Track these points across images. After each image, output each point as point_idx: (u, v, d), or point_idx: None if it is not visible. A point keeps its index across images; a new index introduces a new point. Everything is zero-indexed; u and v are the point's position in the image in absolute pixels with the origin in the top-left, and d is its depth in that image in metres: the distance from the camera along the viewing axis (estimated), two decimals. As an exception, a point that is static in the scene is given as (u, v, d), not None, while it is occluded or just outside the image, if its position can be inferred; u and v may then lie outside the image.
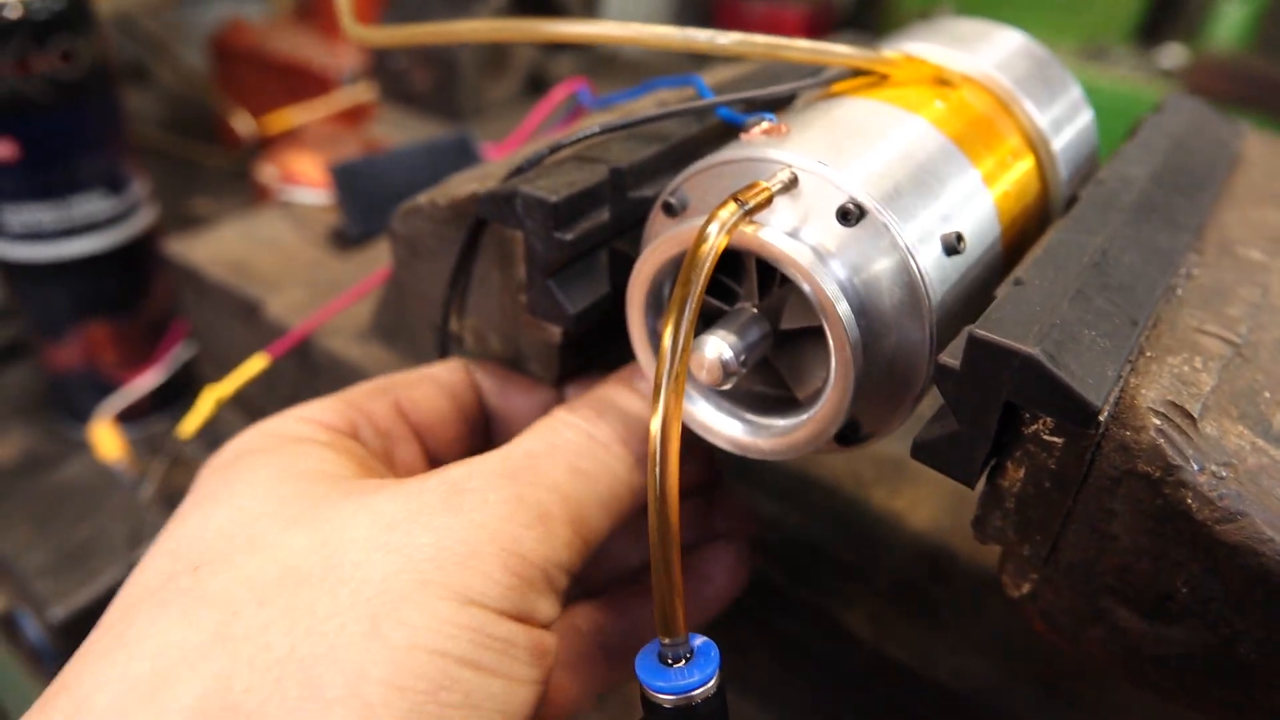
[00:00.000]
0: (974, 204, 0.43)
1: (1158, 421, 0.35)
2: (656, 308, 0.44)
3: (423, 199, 0.54)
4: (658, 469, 0.36)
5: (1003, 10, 2.53)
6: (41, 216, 0.99)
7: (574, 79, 0.84)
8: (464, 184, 0.54)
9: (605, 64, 1.94)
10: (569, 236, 0.44)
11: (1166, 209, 0.46)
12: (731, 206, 0.37)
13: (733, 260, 0.43)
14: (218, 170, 1.80)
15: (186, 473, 1.12)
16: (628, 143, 0.48)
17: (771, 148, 0.40)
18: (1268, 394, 0.39)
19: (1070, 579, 0.39)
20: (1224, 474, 0.35)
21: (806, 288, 0.38)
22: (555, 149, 0.47)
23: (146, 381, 1.14)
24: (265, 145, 1.72)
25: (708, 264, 0.36)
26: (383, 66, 1.71)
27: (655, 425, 0.36)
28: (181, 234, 1.08)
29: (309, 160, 1.62)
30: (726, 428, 0.44)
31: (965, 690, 0.59)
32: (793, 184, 0.39)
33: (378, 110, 1.70)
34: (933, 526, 0.71)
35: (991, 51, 0.51)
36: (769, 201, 0.38)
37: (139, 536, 0.86)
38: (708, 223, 0.37)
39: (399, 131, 1.58)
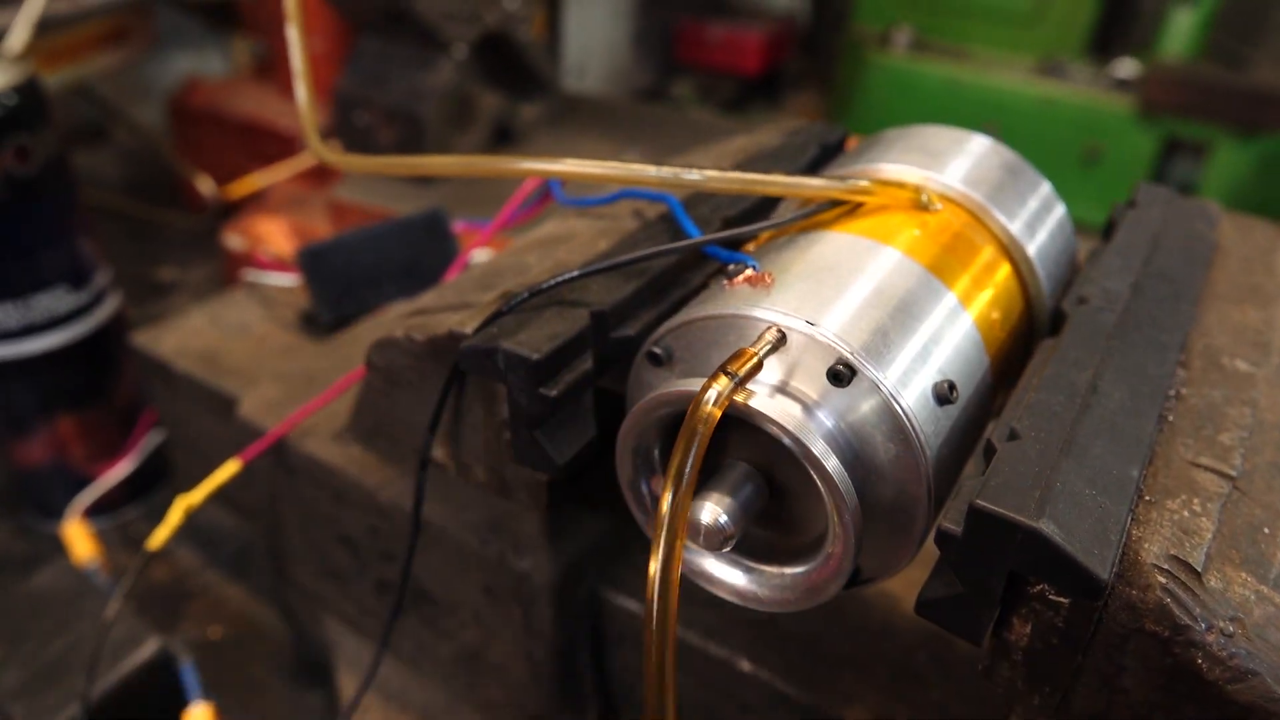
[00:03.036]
0: (961, 341, 0.43)
1: (1163, 580, 0.35)
2: (645, 461, 0.43)
3: (399, 332, 0.53)
4: (655, 636, 0.35)
5: (961, 31, 2.56)
6: (2, 316, 0.96)
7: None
8: (441, 314, 0.53)
9: (572, 110, 1.93)
10: (553, 392, 0.43)
11: (1150, 324, 0.46)
12: (723, 381, 0.36)
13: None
14: (181, 233, 1.77)
15: (163, 570, 1.09)
16: (607, 280, 0.47)
17: (757, 306, 0.39)
18: (1266, 530, 0.39)
19: (1081, 728, 0.39)
20: (1232, 630, 0.35)
21: (797, 451, 0.37)
22: (535, 292, 0.46)
23: (117, 473, 1.11)
24: (230, 209, 1.69)
25: (700, 443, 0.35)
26: (347, 124, 1.70)
27: (653, 589, 0.35)
28: (147, 321, 1.06)
29: (275, 226, 1.60)
30: (729, 577, 0.43)
31: (972, 789, 0.59)
32: (781, 343, 0.38)
33: (344, 171, 1.69)
34: (929, 611, 0.70)
35: (963, 165, 0.51)
36: (759, 368, 0.37)
37: (98, 658, 0.83)
38: (701, 395, 0.36)
39: (366, 193, 1.56)
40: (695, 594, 0.71)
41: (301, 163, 1.70)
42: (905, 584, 0.73)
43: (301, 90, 0.69)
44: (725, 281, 0.42)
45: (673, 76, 3.26)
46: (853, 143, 0.66)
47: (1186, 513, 0.38)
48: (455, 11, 1.55)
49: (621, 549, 0.73)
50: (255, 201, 1.66)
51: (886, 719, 0.62)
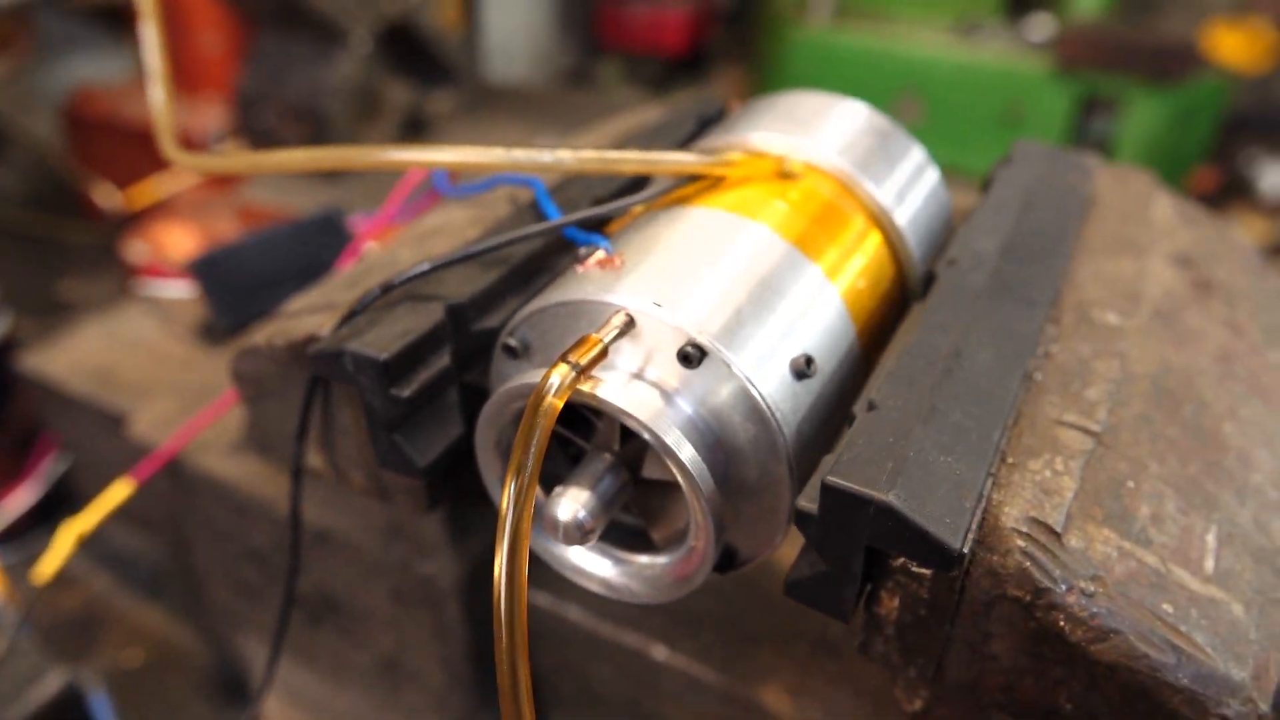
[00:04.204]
0: (822, 313, 0.42)
1: (1022, 543, 0.35)
2: (508, 458, 0.41)
3: (260, 339, 0.50)
4: (504, 640, 0.34)
5: (877, -2, 2.54)
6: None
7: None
8: (304, 316, 0.50)
9: (484, 98, 1.90)
10: (406, 393, 0.41)
11: (1021, 285, 0.45)
12: (563, 369, 0.34)
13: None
14: (82, 248, 1.70)
15: (73, 597, 1.05)
16: (466, 270, 0.46)
17: (605, 290, 0.38)
18: (1130, 483, 0.39)
19: (959, 696, 0.38)
20: (1093, 589, 0.34)
21: (649, 438, 0.36)
22: (387, 289, 0.44)
23: (18, 501, 1.07)
24: (133, 219, 1.63)
25: (540, 433, 0.33)
26: (250, 125, 1.64)
27: (500, 600, 0.33)
28: (39, 343, 1.01)
29: (182, 232, 1.55)
30: (598, 569, 0.42)
31: (889, 758, 0.59)
32: (629, 326, 0.37)
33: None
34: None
35: (831, 133, 0.50)
36: (604, 355, 0.36)
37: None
38: (541, 384, 0.34)
39: (275, 193, 1.51)
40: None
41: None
42: (819, 557, 0.73)
43: (157, 91, 0.65)
44: (577, 266, 0.41)
45: (597, 59, 3.23)
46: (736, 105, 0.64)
47: (1049, 472, 0.37)
48: (352, 2, 1.50)
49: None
50: (159, 209, 1.60)
51: (802, 692, 0.62)
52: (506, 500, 0.33)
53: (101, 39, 2.08)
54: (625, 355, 0.38)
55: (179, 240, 1.55)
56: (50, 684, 0.83)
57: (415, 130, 1.75)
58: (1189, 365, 0.47)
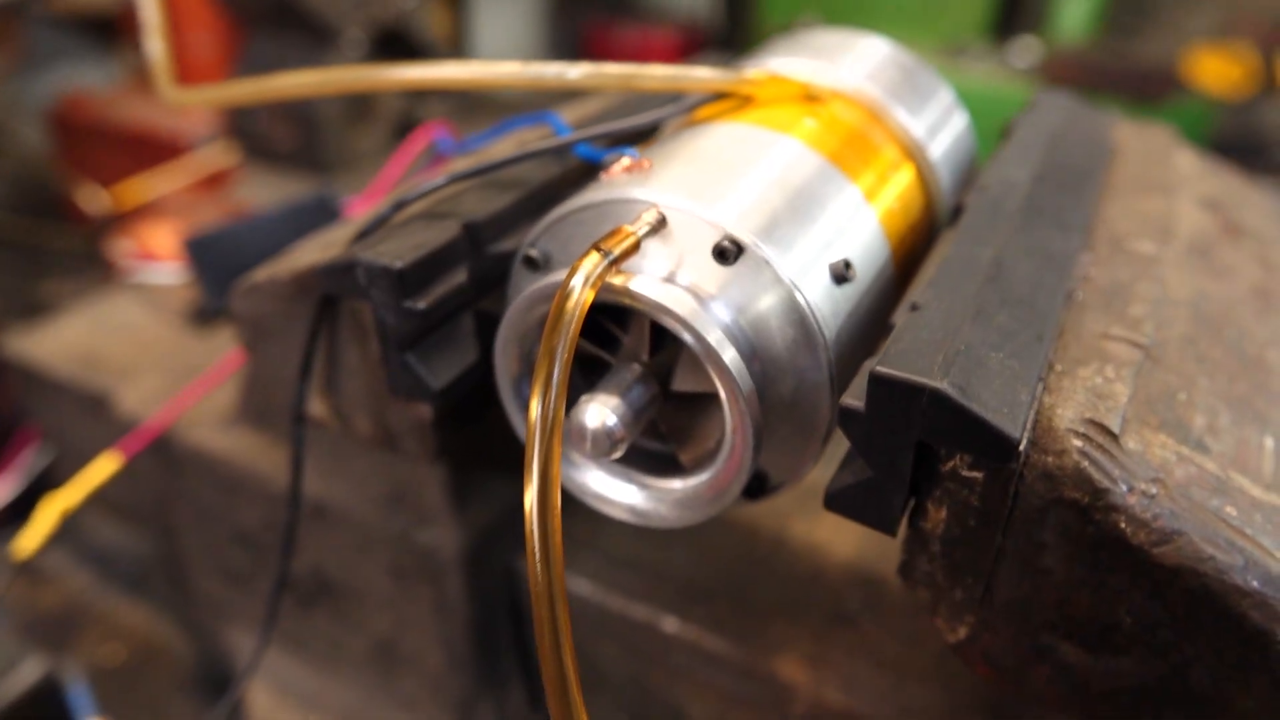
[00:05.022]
0: (858, 225, 0.40)
1: (1079, 443, 0.33)
2: (529, 374, 0.39)
3: (262, 275, 0.48)
4: (539, 558, 0.31)
5: (862, 16, 2.60)
6: None
7: (432, 123, 0.79)
8: (307, 254, 0.48)
9: (477, 105, 1.89)
10: (421, 305, 0.39)
11: (1054, 210, 0.44)
12: (594, 257, 0.32)
13: (615, 309, 0.39)
14: (66, 252, 1.67)
15: (53, 595, 1.01)
16: (483, 192, 0.44)
17: (635, 186, 0.36)
18: (1183, 395, 0.37)
19: (1008, 619, 0.36)
20: (1154, 491, 0.33)
21: (688, 338, 0.34)
22: (400, 205, 0.42)
23: (-4, 495, 1.03)
24: (119, 220, 1.60)
25: (573, 324, 0.31)
26: (241, 128, 1.63)
27: (531, 509, 0.31)
28: (20, 331, 0.98)
29: (168, 232, 1.52)
30: (624, 496, 0.40)
31: (913, 728, 0.56)
32: (661, 225, 0.35)
33: (240, 173, 1.62)
34: (858, 554, 0.68)
35: (857, 62, 0.48)
36: (636, 247, 0.34)
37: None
38: (570, 276, 0.33)
39: (264, 193, 1.49)
40: (610, 552, 0.67)
41: (194, 168, 1.63)
42: (832, 531, 0.71)
43: (155, 43, 0.64)
44: (603, 174, 0.39)
45: (585, 80, 3.24)
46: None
47: (1100, 379, 0.36)
48: (345, 4, 1.49)
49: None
50: (146, 211, 1.58)
51: (819, 663, 0.59)
52: (536, 403, 0.30)
53: (87, 50, 2.07)
54: (655, 259, 0.36)
55: (165, 241, 1.52)
56: (27, 673, 0.79)
57: (406, 134, 1.74)
58: (1227, 296, 0.46)
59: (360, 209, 0.94)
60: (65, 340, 0.95)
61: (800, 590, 0.66)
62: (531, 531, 0.32)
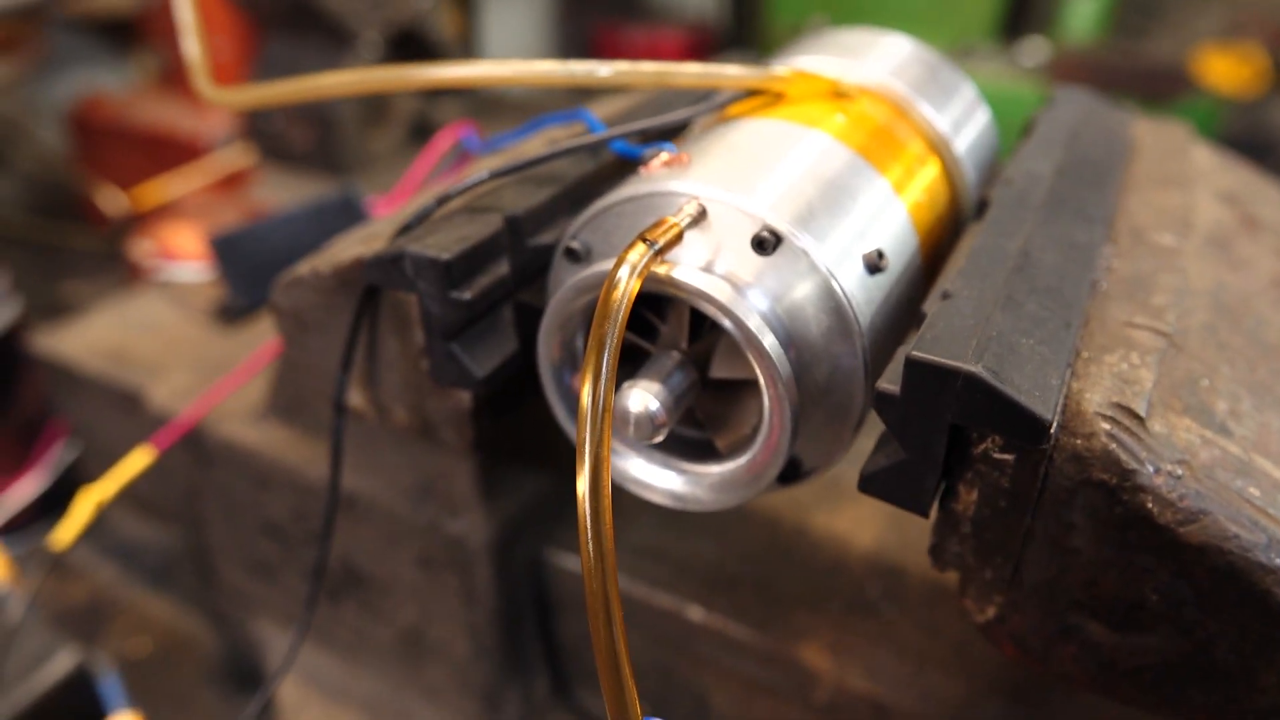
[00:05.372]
0: (889, 216, 0.41)
1: (1107, 426, 0.34)
2: (571, 362, 0.41)
3: (304, 268, 0.50)
4: (590, 537, 0.33)
5: (871, 17, 2.61)
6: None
7: (458, 123, 0.80)
8: (348, 248, 0.49)
9: (491, 107, 1.91)
10: (467, 295, 0.40)
11: (1076, 202, 0.45)
12: (640, 248, 0.34)
13: (653, 299, 0.40)
14: (87, 252, 1.69)
15: (81, 588, 1.03)
16: (521, 187, 0.45)
17: (674, 180, 0.37)
18: (1206, 381, 0.38)
19: (1036, 599, 0.37)
20: (1180, 472, 0.34)
21: (728, 324, 0.35)
22: (443, 200, 0.43)
23: (24, 491, 1.04)
24: (139, 221, 1.62)
25: (622, 313, 0.33)
26: (258, 128, 1.65)
27: (584, 494, 0.32)
28: (49, 326, 1.00)
29: (188, 232, 1.54)
30: (663, 481, 0.41)
31: (936, 712, 0.57)
32: (702, 216, 0.37)
33: (257, 174, 1.63)
34: (878, 544, 0.69)
35: (883, 59, 0.50)
36: (679, 238, 0.35)
37: (3, 673, 0.77)
38: (617, 267, 0.34)
39: (281, 193, 1.51)
40: (635, 544, 0.68)
41: (212, 169, 1.64)
42: (852, 522, 0.72)
43: (191, 43, 0.65)
44: (642, 169, 0.40)
45: (595, 81, 3.26)
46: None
47: (1125, 365, 0.37)
48: (362, 6, 1.51)
49: (563, 507, 0.70)
50: (165, 211, 1.60)
51: (841, 650, 0.61)
52: (587, 390, 0.32)
53: (104, 53, 2.09)
54: (695, 249, 0.37)
55: (185, 241, 1.54)
56: (61, 663, 0.81)
57: (422, 136, 1.76)
58: (1245, 287, 0.47)
59: (385, 209, 0.96)
60: (94, 338, 0.97)
61: (822, 579, 0.67)
62: (584, 514, 0.33)
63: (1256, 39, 2.31)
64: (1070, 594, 0.37)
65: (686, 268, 0.36)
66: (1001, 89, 2.42)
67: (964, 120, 0.50)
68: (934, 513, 0.37)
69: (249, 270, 0.94)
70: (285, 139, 1.64)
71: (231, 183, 1.66)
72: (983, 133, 0.52)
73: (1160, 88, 2.27)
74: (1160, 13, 2.68)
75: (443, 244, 0.40)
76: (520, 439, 0.64)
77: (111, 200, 1.69)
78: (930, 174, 0.47)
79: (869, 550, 0.70)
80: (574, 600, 0.71)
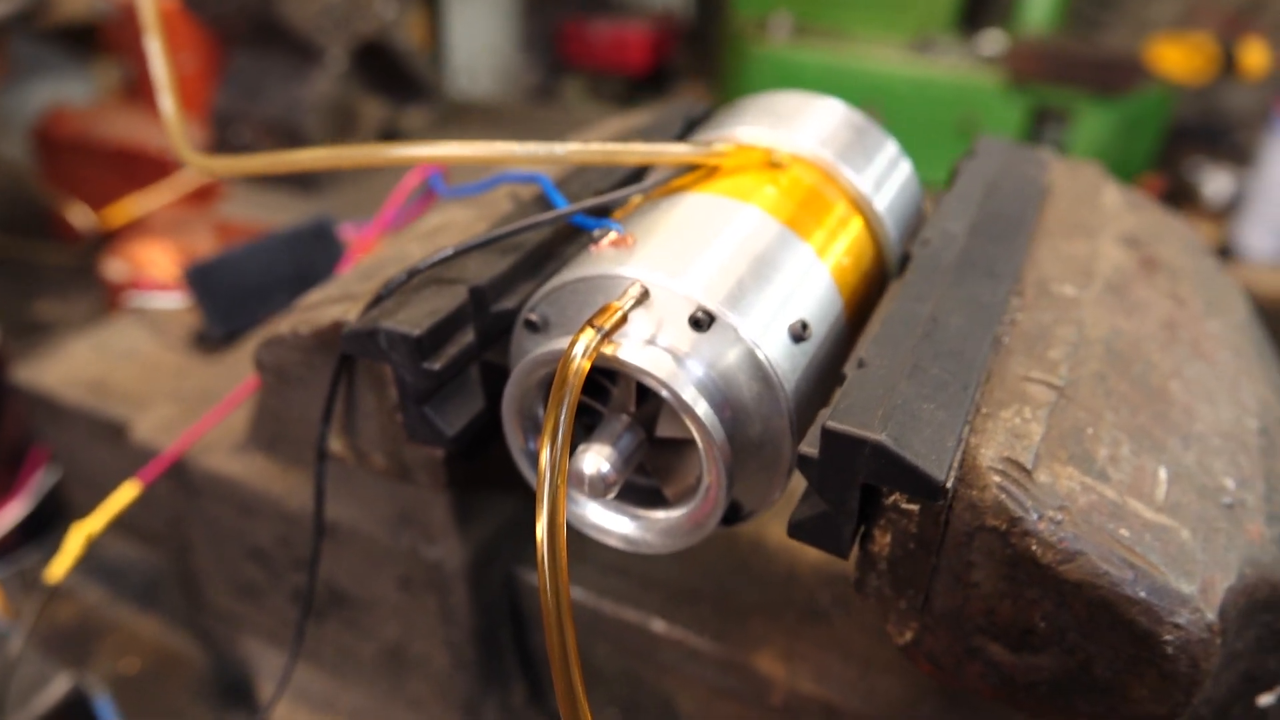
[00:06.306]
0: (813, 283, 0.46)
1: (998, 479, 0.39)
2: (533, 426, 0.45)
3: (284, 328, 0.54)
4: (549, 583, 0.37)
5: (837, 15, 2.64)
6: None
7: (426, 165, 0.84)
8: (326, 308, 0.54)
9: (458, 114, 1.93)
10: (437, 366, 0.44)
11: (986, 261, 0.50)
12: (590, 333, 0.38)
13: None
14: (58, 269, 1.71)
15: (69, 609, 1.06)
16: (484, 256, 0.49)
17: (620, 264, 0.42)
18: (1090, 430, 0.44)
19: (945, 624, 0.43)
20: (1060, 518, 0.39)
21: (666, 395, 0.40)
22: (413, 274, 0.47)
23: (8, 516, 1.07)
24: (109, 238, 1.64)
25: (572, 393, 0.37)
26: (226, 142, 1.66)
27: (541, 540, 0.37)
28: (28, 357, 1.02)
29: (160, 250, 1.56)
30: (617, 526, 0.46)
31: (879, 712, 0.63)
32: (645, 297, 0.41)
33: (227, 188, 1.65)
34: (829, 556, 0.74)
35: (813, 126, 0.54)
36: (624, 321, 0.40)
37: (5, 702, 0.81)
38: (570, 348, 0.38)
39: (252, 209, 1.53)
40: (603, 562, 0.73)
41: (181, 184, 1.66)
42: (804, 533, 0.77)
43: (167, 101, 0.68)
44: (592, 246, 0.45)
45: (561, 77, 3.28)
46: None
47: (1018, 420, 0.42)
48: (327, 21, 1.53)
49: (533, 528, 0.74)
50: (135, 228, 1.61)
51: (793, 656, 0.66)
52: (545, 455, 0.36)
53: (66, 62, 2.08)
54: (639, 324, 0.42)
55: (157, 258, 1.56)
56: (57, 687, 0.84)
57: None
58: (1137, 331, 0.52)
59: (359, 239, 0.99)
60: (74, 368, 1.00)
61: (776, 590, 0.72)
62: (542, 559, 0.38)
63: (1208, 28, 2.38)
64: (973, 621, 0.42)
65: (630, 346, 0.40)
66: (960, 78, 2.48)
67: (885, 177, 0.55)
68: (855, 553, 0.43)
69: (225, 300, 0.97)
70: (254, 152, 1.66)
71: (201, 198, 1.68)
72: (903, 186, 0.57)
73: (1115, 77, 2.34)
74: (1115, 4, 2.75)
75: (414, 318, 0.44)
76: (492, 469, 0.69)
77: (81, 217, 1.70)
78: (854, 233, 0.52)
79: (821, 561, 0.75)
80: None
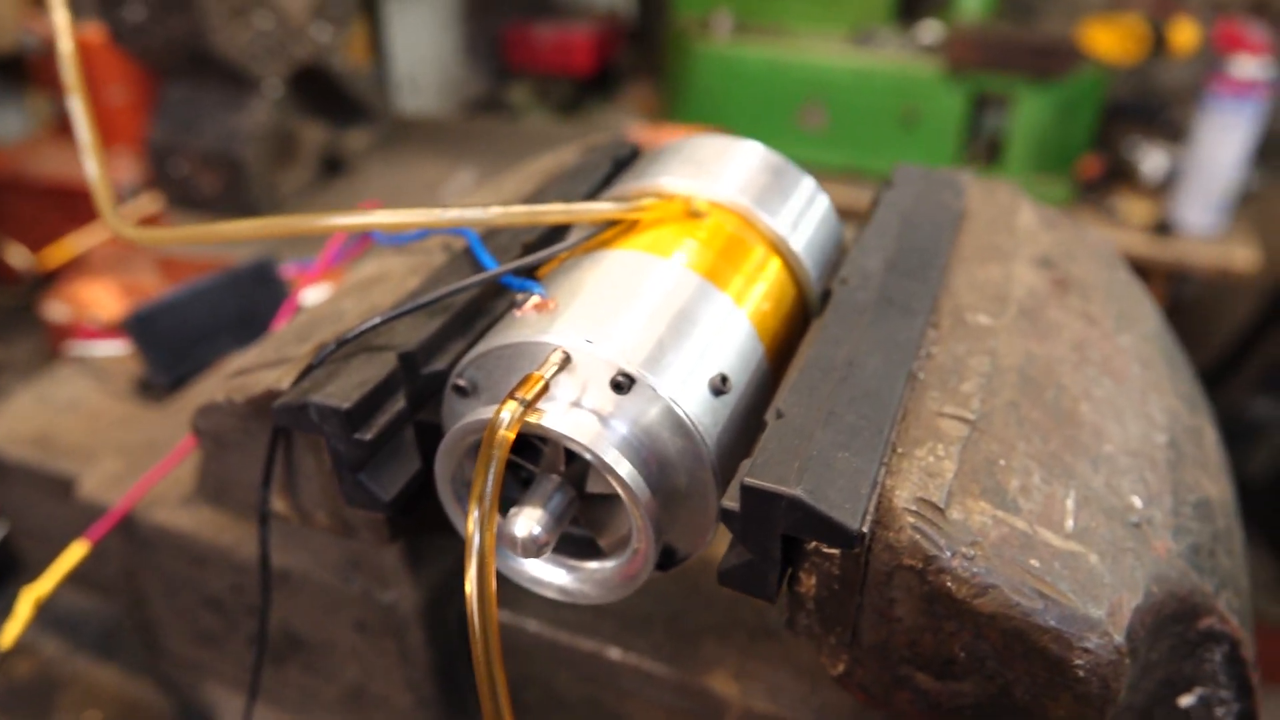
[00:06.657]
0: (731, 333, 0.48)
1: (912, 520, 0.41)
2: (466, 488, 0.46)
3: (220, 395, 0.54)
4: (479, 637, 0.38)
5: (777, 10, 2.67)
6: None
7: (366, 202, 0.84)
8: (259, 372, 0.54)
9: (403, 133, 1.93)
10: (368, 436, 0.45)
11: (903, 296, 0.52)
12: (512, 405, 0.39)
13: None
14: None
15: (25, 664, 1.05)
16: (413, 319, 0.50)
17: (542, 331, 0.43)
18: (1002, 461, 0.46)
19: (873, 656, 0.45)
20: (972, 554, 0.41)
21: (590, 458, 0.41)
22: (342, 343, 0.48)
23: (-42, 574, 1.06)
24: (49, 278, 1.61)
25: (497, 465, 0.38)
26: (165, 175, 1.64)
27: (471, 594, 0.38)
28: (-32, 413, 1.01)
29: (102, 289, 1.54)
30: (554, 578, 0.47)
31: (829, 727, 0.65)
32: (566, 362, 0.42)
33: (166, 221, 1.63)
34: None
35: (732, 172, 0.56)
36: (546, 390, 0.41)
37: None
38: (496, 415, 0.40)
39: (195, 245, 1.52)
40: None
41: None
42: (753, 552, 0.79)
43: (91, 164, 0.68)
44: (515, 311, 0.46)
45: (507, 83, 3.26)
46: (653, 133, 0.70)
47: (932, 458, 0.44)
48: (260, 49, 1.52)
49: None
50: (76, 266, 1.59)
51: (745, 676, 0.68)
52: (472, 523, 0.37)
53: (-2, 95, 2.04)
54: (564, 387, 0.43)
55: (100, 297, 1.54)
56: (16, 749, 0.84)
57: (333, 169, 1.78)
58: (1050, 355, 0.54)
59: (301, 278, 0.99)
60: (17, 421, 0.98)
61: (727, 610, 0.74)
62: (472, 614, 0.39)
63: (1137, 10, 2.44)
64: (899, 652, 0.44)
65: (553, 412, 0.42)
66: (901, 69, 2.51)
67: (802, 215, 0.57)
68: (783, 594, 0.44)
69: (167, 347, 0.97)
70: (193, 184, 1.64)
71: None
72: (821, 222, 0.58)
73: (1051, 61, 2.38)
74: (1048, -8, 2.81)
75: (343, 390, 0.45)
76: (438, 513, 0.70)
77: (19, 257, 1.67)
78: (772, 276, 0.53)
79: (769, 578, 0.76)
80: (506, 648, 0.76)
